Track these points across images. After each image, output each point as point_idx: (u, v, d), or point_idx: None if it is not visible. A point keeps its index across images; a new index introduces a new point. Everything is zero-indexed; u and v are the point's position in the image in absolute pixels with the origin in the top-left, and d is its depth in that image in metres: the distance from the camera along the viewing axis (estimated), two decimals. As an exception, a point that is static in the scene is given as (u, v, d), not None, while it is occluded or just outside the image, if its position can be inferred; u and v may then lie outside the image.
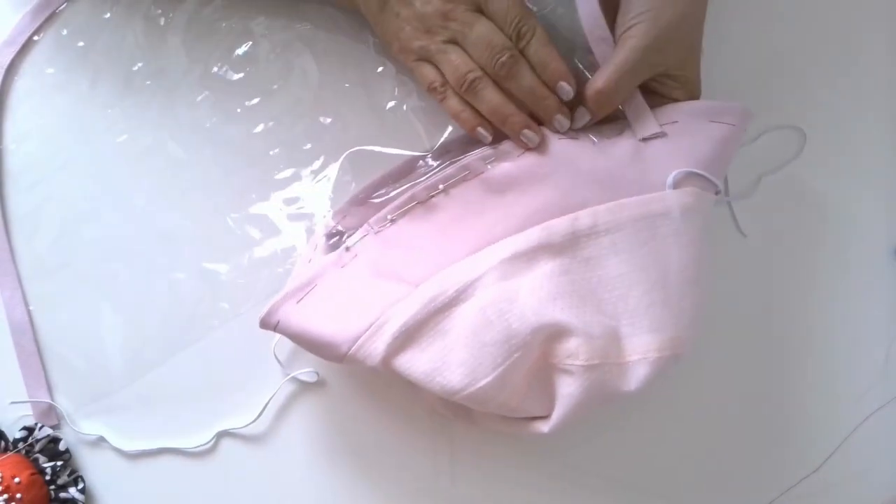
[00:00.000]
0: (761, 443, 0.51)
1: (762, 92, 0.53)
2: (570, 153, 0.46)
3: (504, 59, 0.45)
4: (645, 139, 0.46)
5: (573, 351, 0.43)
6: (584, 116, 0.47)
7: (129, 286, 0.52)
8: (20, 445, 0.50)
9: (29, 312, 0.52)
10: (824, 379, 0.51)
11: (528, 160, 0.46)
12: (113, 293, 0.52)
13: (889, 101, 0.54)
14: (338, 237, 0.49)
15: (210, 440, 0.50)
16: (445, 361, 0.43)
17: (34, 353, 0.52)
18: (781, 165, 0.53)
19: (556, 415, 0.44)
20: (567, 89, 0.46)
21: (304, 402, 0.51)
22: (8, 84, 0.54)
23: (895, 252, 0.52)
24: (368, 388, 0.50)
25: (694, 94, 0.47)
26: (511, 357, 0.43)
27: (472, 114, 0.47)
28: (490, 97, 0.46)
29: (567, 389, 0.43)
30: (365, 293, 0.45)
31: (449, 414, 0.48)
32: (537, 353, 0.44)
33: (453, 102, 0.48)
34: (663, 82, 0.47)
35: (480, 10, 0.46)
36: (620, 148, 0.46)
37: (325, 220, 0.50)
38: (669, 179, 0.45)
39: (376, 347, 0.44)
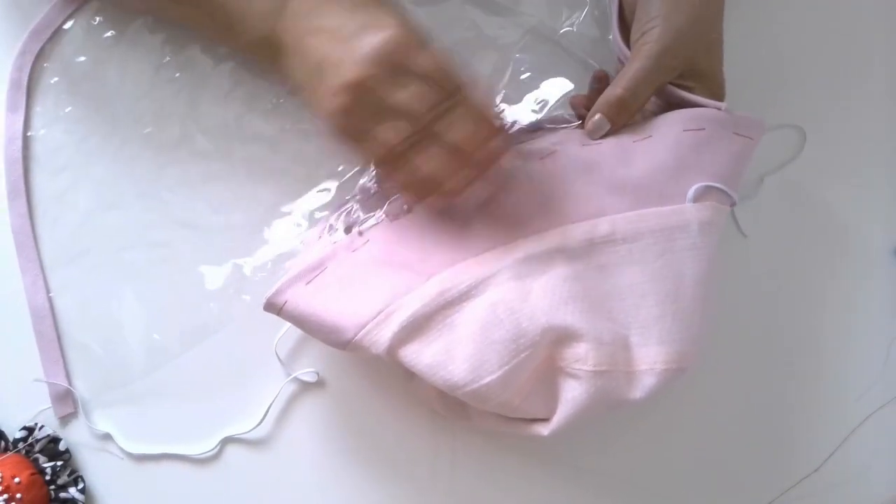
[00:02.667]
0: (761, 442, 0.51)
1: (762, 91, 0.53)
2: (592, 159, 0.46)
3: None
4: (670, 149, 0.45)
5: (582, 356, 0.43)
6: (602, 126, 0.46)
7: (152, 276, 0.52)
8: (20, 445, 0.50)
9: (50, 298, 0.52)
10: (824, 379, 0.52)
11: (550, 163, 0.46)
12: (135, 282, 0.52)
13: (890, 101, 0.54)
14: (351, 225, 0.48)
15: (215, 447, 0.50)
16: (451, 355, 0.43)
17: (54, 340, 0.51)
18: (782, 165, 0.53)
19: (558, 418, 0.44)
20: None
21: (306, 403, 0.51)
22: (37, 71, 0.53)
23: (895, 252, 0.52)
24: (370, 389, 0.50)
25: (716, 93, 0.47)
26: (518, 356, 0.43)
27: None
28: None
29: (572, 393, 0.43)
30: (375, 280, 0.45)
31: (447, 413, 0.48)
32: (545, 354, 0.44)
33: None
34: (684, 84, 0.46)
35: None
36: (642, 158, 0.45)
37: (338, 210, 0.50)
38: (690, 193, 0.45)
39: (383, 335, 0.44)
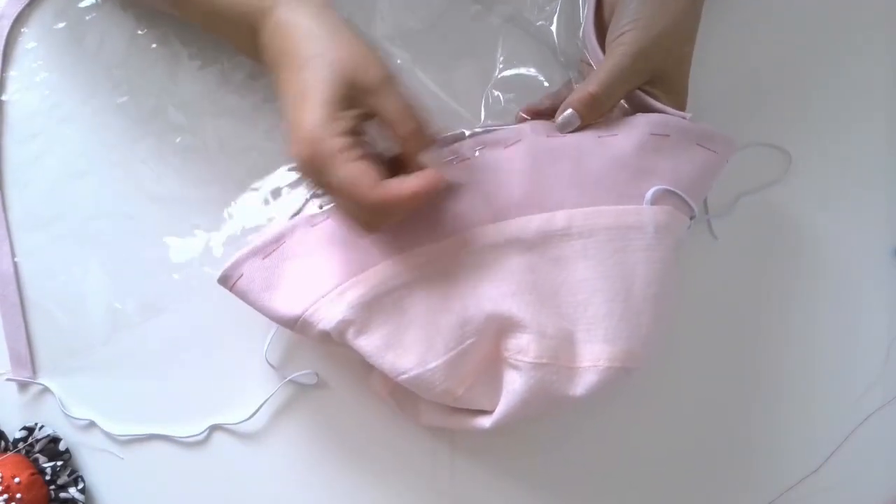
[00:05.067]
0: (761, 443, 0.51)
1: (748, 107, 0.52)
2: (557, 151, 0.46)
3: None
4: (634, 149, 0.45)
5: (523, 347, 0.43)
6: (573, 121, 0.46)
7: (118, 246, 0.52)
8: (20, 445, 0.50)
9: (15, 263, 0.52)
10: (824, 379, 0.52)
11: (515, 152, 0.46)
12: (101, 251, 0.52)
13: (886, 97, 0.54)
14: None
15: (202, 432, 0.51)
16: (399, 338, 0.44)
17: (16, 304, 0.52)
18: (785, 168, 0.53)
19: (499, 410, 0.44)
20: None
21: (302, 400, 0.51)
22: (15, 35, 0.53)
23: (895, 252, 0.52)
24: (368, 388, 0.50)
25: (680, 105, 0.47)
26: (463, 343, 0.43)
27: None
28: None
29: (513, 385, 0.44)
30: (330, 258, 0.45)
31: (399, 409, 0.48)
32: (491, 343, 0.44)
33: None
34: (650, 91, 0.47)
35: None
36: (606, 154, 0.46)
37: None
38: (648, 195, 0.45)
39: (332, 314, 0.44)
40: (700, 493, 0.51)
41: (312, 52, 0.42)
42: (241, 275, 0.45)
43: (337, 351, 0.47)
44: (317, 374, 0.50)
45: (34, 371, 0.52)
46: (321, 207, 0.47)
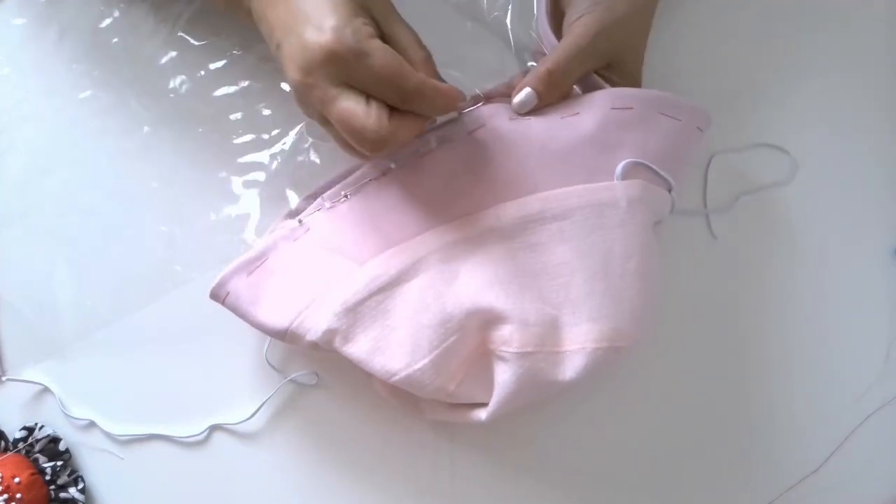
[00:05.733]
0: (761, 443, 0.51)
1: (753, 105, 0.53)
2: (522, 134, 0.45)
3: (367, 147, 0.40)
4: (598, 125, 0.45)
5: (507, 338, 0.43)
6: (530, 100, 0.46)
7: (85, 241, 0.52)
8: (20, 445, 0.50)
9: None
10: (824, 379, 0.51)
11: (480, 139, 0.46)
12: (68, 247, 0.52)
13: (887, 97, 0.54)
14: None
15: (203, 432, 0.51)
16: (387, 341, 0.44)
17: None
18: (786, 169, 0.53)
19: (493, 402, 0.44)
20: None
21: (302, 400, 0.51)
22: None
23: (895, 252, 0.52)
24: (368, 387, 0.50)
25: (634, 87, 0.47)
26: (447, 340, 0.43)
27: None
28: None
29: (502, 377, 0.44)
30: (312, 268, 0.45)
31: (402, 406, 0.48)
32: (476, 338, 0.44)
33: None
34: (606, 75, 0.47)
35: (345, 83, 0.40)
36: (571, 134, 0.45)
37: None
38: (618, 169, 0.44)
39: (318, 323, 0.44)
40: (699, 492, 0.51)
41: None
42: (228, 293, 0.45)
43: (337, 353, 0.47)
44: (317, 374, 0.50)
45: (3, 370, 0.52)
46: (300, 222, 0.47)
